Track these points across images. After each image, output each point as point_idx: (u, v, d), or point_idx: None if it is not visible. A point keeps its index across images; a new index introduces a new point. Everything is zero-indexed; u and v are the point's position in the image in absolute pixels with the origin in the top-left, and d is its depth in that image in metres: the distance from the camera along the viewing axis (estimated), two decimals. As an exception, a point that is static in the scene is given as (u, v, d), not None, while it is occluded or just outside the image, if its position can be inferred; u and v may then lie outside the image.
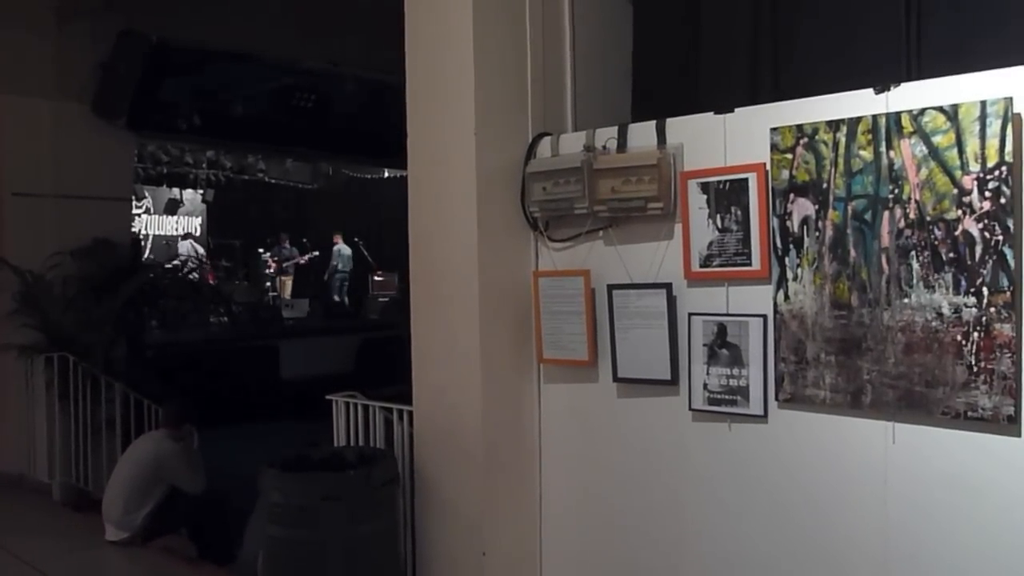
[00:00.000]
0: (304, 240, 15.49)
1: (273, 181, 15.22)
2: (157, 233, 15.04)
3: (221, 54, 7.88)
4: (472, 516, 3.52)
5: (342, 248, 15.13)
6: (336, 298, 14.74)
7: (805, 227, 2.80)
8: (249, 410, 8.45)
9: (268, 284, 14.72)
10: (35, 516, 6.07)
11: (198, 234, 15.78)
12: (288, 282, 14.97)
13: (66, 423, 6.44)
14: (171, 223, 15.49)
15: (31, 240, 6.57)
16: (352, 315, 13.68)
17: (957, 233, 2.50)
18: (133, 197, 10.51)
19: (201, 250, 14.58)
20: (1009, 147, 2.41)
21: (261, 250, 15.40)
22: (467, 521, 3.54)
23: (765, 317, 2.91)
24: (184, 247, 14.33)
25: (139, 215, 14.29)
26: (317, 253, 15.25)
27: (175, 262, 10.31)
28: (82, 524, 5.79)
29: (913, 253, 2.59)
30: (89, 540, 5.40)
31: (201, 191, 15.12)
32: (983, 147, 2.45)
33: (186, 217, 15.65)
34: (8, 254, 6.52)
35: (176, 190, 15.00)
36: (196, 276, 9.52)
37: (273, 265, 15.03)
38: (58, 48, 6.81)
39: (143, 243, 13.77)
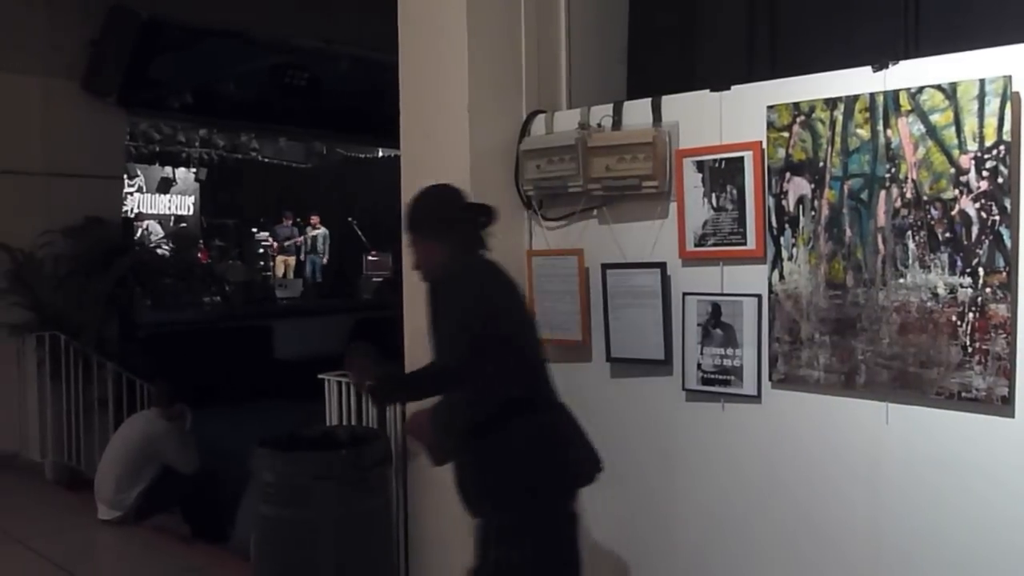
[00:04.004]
0: (299, 219, 15.42)
1: (266, 160, 15.13)
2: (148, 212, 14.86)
3: (213, 31, 7.80)
4: (465, 496, 3.50)
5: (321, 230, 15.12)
6: (312, 279, 14.67)
7: (801, 206, 2.78)
8: (242, 390, 8.42)
9: (261, 264, 14.62)
10: (27, 495, 6.05)
11: (191, 213, 15.66)
12: (290, 261, 14.79)
13: (58, 402, 6.41)
14: (164, 202, 15.36)
15: (21, 218, 6.50)
16: (347, 295, 13.63)
17: (954, 213, 2.48)
18: (125, 175, 10.44)
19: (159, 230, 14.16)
20: (1007, 126, 2.38)
21: (255, 229, 15.31)
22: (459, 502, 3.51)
23: (760, 297, 2.89)
24: (152, 227, 14.04)
25: (131, 194, 14.15)
26: (307, 234, 15.16)
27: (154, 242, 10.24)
28: (74, 503, 5.78)
29: (909, 233, 2.57)
30: (81, 519, 5.39)
31: (194, 170, 15.01)
32: (981, 126, 2.42)
33: (179, 196, 15.54)
34: (-2, 232, 6.47)
35: (169, 169, 14.87)
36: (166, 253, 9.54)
37: (275, 245, 14.88)
38: (47, 24, 6.71)
39: (135, 222, 13.63)
